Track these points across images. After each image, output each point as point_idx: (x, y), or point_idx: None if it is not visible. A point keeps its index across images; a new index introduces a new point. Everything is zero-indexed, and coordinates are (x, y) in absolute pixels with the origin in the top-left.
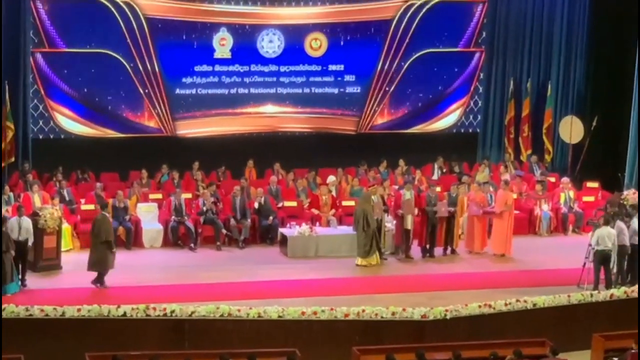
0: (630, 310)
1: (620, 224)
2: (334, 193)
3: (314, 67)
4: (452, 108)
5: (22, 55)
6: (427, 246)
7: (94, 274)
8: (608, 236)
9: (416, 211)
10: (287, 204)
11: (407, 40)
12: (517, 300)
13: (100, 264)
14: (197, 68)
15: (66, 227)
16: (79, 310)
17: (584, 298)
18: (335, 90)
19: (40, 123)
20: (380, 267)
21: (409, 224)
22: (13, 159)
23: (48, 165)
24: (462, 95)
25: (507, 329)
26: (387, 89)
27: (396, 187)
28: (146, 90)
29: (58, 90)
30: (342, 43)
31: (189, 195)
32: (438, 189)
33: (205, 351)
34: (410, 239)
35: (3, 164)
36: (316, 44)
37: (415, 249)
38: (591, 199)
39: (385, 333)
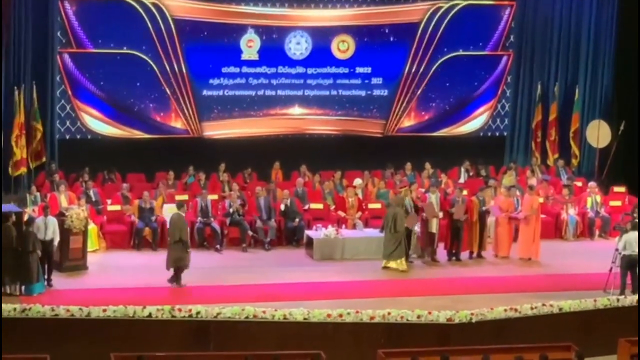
0: None
1: None
2: (360, 195)
3: (341, 70)
4: (479, 111)
5: (50, 55)
6: (453, 250)
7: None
8: (635, 241)
9: (441, 214)
10: (313, 206)
11: (434, 43)
12: (543, 305)
13: (176, 262)
14: (225, 69)
15: (92, 227)
16: (104, 310)
17: (610, 303)
18: (363, 93)
19: (67, 123)
20: (413, 270)
21: (434, 227)
22: (44, 159)
23: (75, 165)
24: (489, 98)
25: (533, 333)
26: (414, 91)
27: (422, 190)
28: (173, 92)
29: (85, 91)
30: (369, 46)
31: (215, 197)
32: (465, 192)
33: (230, 353)
34: (435, 242)
35: (32, 165)
36: (343, 46)
37: (442, 253)
38: (618, 203)
39: (411, 336)
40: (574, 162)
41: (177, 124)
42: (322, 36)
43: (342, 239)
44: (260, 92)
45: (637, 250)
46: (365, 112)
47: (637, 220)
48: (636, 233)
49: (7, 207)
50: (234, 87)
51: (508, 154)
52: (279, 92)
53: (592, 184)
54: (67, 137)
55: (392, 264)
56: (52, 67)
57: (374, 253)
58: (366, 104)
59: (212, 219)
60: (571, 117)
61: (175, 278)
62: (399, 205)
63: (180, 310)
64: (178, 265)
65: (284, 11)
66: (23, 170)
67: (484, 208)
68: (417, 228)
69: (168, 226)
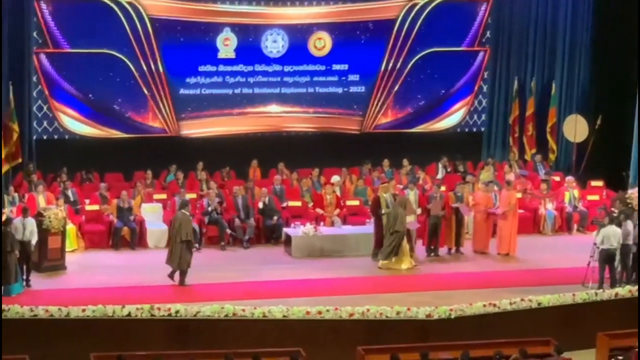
0: (635, 309)
1: (628, 223)
2: (338, 193)
3: (318, 67)
4: (456, 107)
5: (26, 55)
6: (432, 246)
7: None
8: (613, 235)
9: (419, 210)
10: (292, 203)
11: (411, 39)
12: (522, 300)
13: (178, 262)
14: (201, 68)
15: (70, 227)
16: (83, 310)
17: (589, 297)
18: (339, 90)
19: (45, 124)
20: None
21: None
22: (20, 160)
23: (52, 165)
24: (466, 94)
25: (512, 328)
26: (391, 88)
27: (401, 186)
28: (150, 91)
29: (62, 91)
30: (346, 43)
31: (194, 196)
32: (442, 188)
33: (210, 351)
34: (413, 239)
35: (9, 165)
36: (320, 44)
37: (420, 249)
38: (596, 197)
39: (390, 332)
40: (552, 157)
41: (155, 123)
42: (298, 34)
43: (320, 236)
44: (237, 91)
45: (615, 244)
46: (342, 109)
47: (614, 214)
48: (614, 227)
49: None
50: (211, 86)
51: (485, 149)
52: (256, 90)
53: (569, 178)
54: (45, 137)
55: (388, 264)
56: (28, 67)
57: (353, 250)
58: (343, 101)
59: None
60: (548, 112)
61: (180, 278)
62: (401, 206)
63: (159, 309)
64: (182, 267)
65: (260, 9)
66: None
67: (453, 205)
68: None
69: (172, 225)
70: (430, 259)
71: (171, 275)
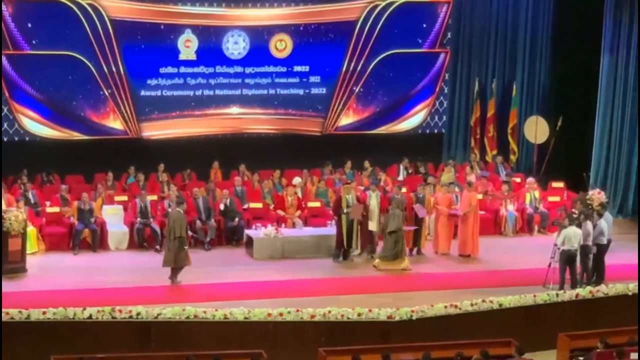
0: (596, 310)
1: (587, 224)
2: (299, 194)
3: (279, 69)
4: (418, 109)
5: None
6: None
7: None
8: (574, 236)
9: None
10: (253, 205)
11: (372, 41)
12: (483, 301)
13: (173, 260)
14: (162, 70)
15: (31, 229)
16: (44, 313)
17: (550, 298)
18: (301, 92)
19: (5, 125)
20: (347, 268)
21: (374, 225)
22: None
23: (13, 167)
24: (427, 96)
25: (474, 330)
26: (352, 89)
27: (362, 188)
28: (111, 92)
29: (23, 93)
30: (307, 44)
31: (155, 197)
32: (404, 189)
33: (171, 353)
34: (375, 240)
35: None
36: (281, 45)
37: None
38: (556, 199)
39: (352, 334)
40: (513, 158)
41: (116, 124)
42: (259, 35)
43: (281, 237)
44: (199, 92)
45: (575, 245)
46: (303, 111)
47: (575, 215)
48: (575, 228)
49: None
50: (172, 88)
51: (446, 151)
52: (217, 92)
53: (530, 179)
54: (5, 139)
55: (385, 263)
56: None
57: (314, 251)
58: (304, 102)
59: (151, 220)
60: (509, 113)
61: (173, 276)
62: (399, 208)
63: (120, 311)
64: (176, 265)
65: (221, 11)
66: None
67: (414, 206)
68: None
69: (167, 223)
70: None
71: (171, 277)
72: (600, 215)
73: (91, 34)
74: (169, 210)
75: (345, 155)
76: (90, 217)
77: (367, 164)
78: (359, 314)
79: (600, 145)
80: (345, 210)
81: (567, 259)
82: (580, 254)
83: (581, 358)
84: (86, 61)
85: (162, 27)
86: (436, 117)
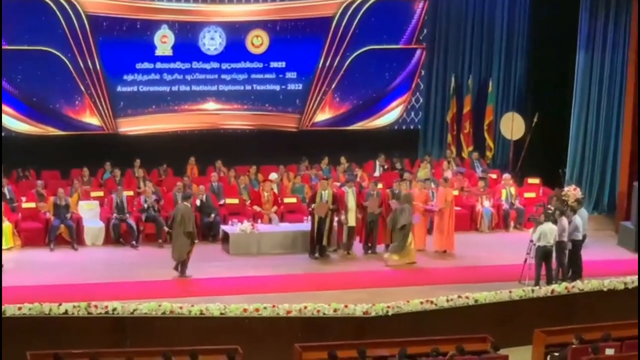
0: (571, 306)
1: (563, 220)
2: (275, 190)
3: (256, 64)
4: (394, 105)
5: None
6: (369, 243)
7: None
8: (550, 232)
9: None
10: (229, 201)
11: (348, 37)
12: (459, 297)
13: (181, 254)
14: (139, 65)
15: (7, 225)
16: (19, 308)
17: (525, 294)
18: (277, 88)
19: None
20: (323, 264)
21: (352, 220)
22: None
23: None
24: (403, 92)
25: (449, 325)
26: (328, 86)
27: (338, 184)
28: (87, 88)
29: None
30: (283, 40)
31: (131, 193)
32: (380, 185)
33: (148, 349)
34: (352, 236)
35: None
36: (257, 41)
37: (358, 246)
38: (532, 195)
39: (328, 330)
40: (489, 154)
41: (92, 120)
42: (236, 31)
43: (258, 233)
44: (175, 88)
45: (551, 241)
46: (279, 107)
47: (550, 211)
48: (550, 224)
49: None
50: (148, 83)
51: (422, 147)
52: (194, 88)
53: (506, 176)
54: None
55: (396, 257)
56: None
57: (290, 247)
58: (281, 98)
59: (127, 215)
60: (485, 109)
61: (181, 270)
62: (408, 202)
63: (96, 306)
64: (184, 258)
65: (197, 6)
66: None
67: (389, 202)
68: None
69: (174, 217)
70: (368, 256)
71: (176, 268)
72: (575, 211)
73: (67, 29)
74: (145, 205)
75: (321, 151)
76: (66, 212)
77: (343, 159)
78: (335, 310)
79: (576, 142)
80: (311, 207)
81: (543, 255)
82: (556, 250)
83: (556, 354)
84: (62, 57)
85: (138, 22)
86: (412, 114)
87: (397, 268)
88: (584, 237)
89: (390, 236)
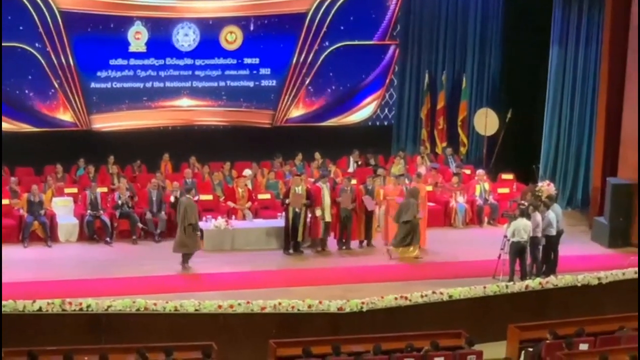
0: (545, 301)
1: (536, 216)
2: (249, 186)
3: (230, 61)
4: (368, 101)
5: None
6: (343, 239)
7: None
8: (524, 228)
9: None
10: (203, 197)
11: (322, 33)
12: (433, 292)
13: (185, 246)
14: (112, 62)
15: None
16: None
17: (500, 289)
18: (251, 84)
19: None
20: (298, 260)
21: (327, 216)
22: None
23: None
24: (377, 88)
25: (424, 321)
26: (302, 82)
27: (312, 180)
28: (61, 84)
29: None
30: (257, 36)
31: (105, 189)
32: (353, 181)
33: (122, 345)
34: (327, 232)
35: None
36: (231, 38)
37: (332, 242)
38: (506, 190)
39: (302, 326)
40: (462, 150)
41: (66, 117)
42: (209, 28)
43: (232, 229)
44: (149, 84)
45: (525, 237)
46: (253, 103)
47: (524, 207)
48: (525, 220)
49: None
50: (122, 80)
51: (396, 143)
52: (167, 84)
53: (480, 171)
54: None
55: (403, 251)
56: None
57: (264, 243)
58: (254, 94)
59: (101, 212)
60: (459, 105)
61: (185, 262)
62: (413, 197)
63: (70, 303)
64: (187, 251)
65: (171, 3)
66: None
67: (363, 198)
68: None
69: (177, 210)
70: (342, 252)
71: (185, 261)
72: (548, 207)
73: (40, 25)
74: (119, 202)
75: (295, 147)
76: (40, 209)
77: (317, 155)
78: (309, 306)
79: (550, 137)
80: (286, 202)
81: (517, 250)
82: (530, 246)
83: (531, 349)
84: (36, 53)
85: (112, 19)
86: (386, 110)
87: (403, 261)
88: (561, 232)
89: (362, 232)
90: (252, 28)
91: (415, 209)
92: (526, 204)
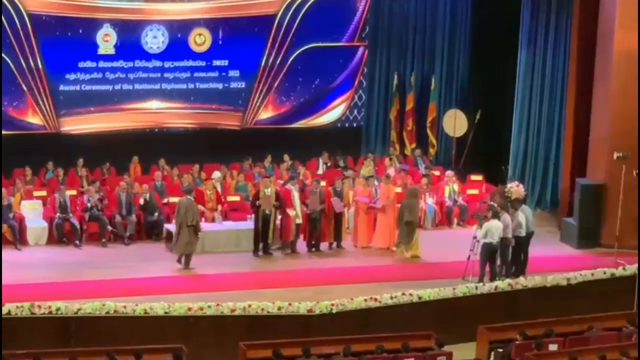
0: (514, 302)
1: (506, 217)
2: (218, 188)
3: (198, 63)
4: (337, 102)
5: None
6: (313, 241)
7: None
8: (496, 229)
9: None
10: (172, 199)
11: (291, 34)
12: (403, 294)
13: (186, 247)
14: (81, 64)
15: None
16: None
17: (469, 290)
18: (220, 86)
19: None
20: (267, 262)
21: (297, 218)
22: None
23: None
24: (346, 89)
25: (394, 322)
26: (271, 84)
27: (281, 182)
28: (29, 87)
29: None
30: (226, 38)
31: (74, 192)
32: (323, 183)
33: (92, 348)
34: (297, 234)
35: None
36: (200, 40)
37: (302, 244)
38: (475, 191)
39: (272, 328)
40: (432, 151)
41: (34, 119)
42: (178, 30)
43: (201, 232)
44: (118, 87)
45: (496, 238)
46: (222, 105)
47: (495, 208)
48: (497, 221)
49: None
50: (90, 82)
51: (365, 144)
52: (136, 86)
53: (449, 173)
54: None
55: (403, 251)
56: None
57: (234, 246)
58: (224, 96)
59: (70, 215)
60: (428, 107)
61: (186, 263)
62: (413, 197)
63: (40, 307)
64: (189, 252)
65: (139, 5)
66: None
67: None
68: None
69: (178, 211)
70: (312, 254)
71: (179, 260)
72: (516, 208)
73: (9, 28)
74: (89, 205)
75: (264, 149)
76: (9, 212)
77: (286, 157)
78: (279, 308)
79: (518, 138)
80: (257, 203)
81: (489, 252)
82: (500, 247)
83: (500, 349)
84: (4, 56)
85: (80, 21)
86: (355, 111)
87: (404, 262)
88: (531, 233)
89: (331, 234)
90: (221, 30)
91: (416, 210)
92: (495, 204)
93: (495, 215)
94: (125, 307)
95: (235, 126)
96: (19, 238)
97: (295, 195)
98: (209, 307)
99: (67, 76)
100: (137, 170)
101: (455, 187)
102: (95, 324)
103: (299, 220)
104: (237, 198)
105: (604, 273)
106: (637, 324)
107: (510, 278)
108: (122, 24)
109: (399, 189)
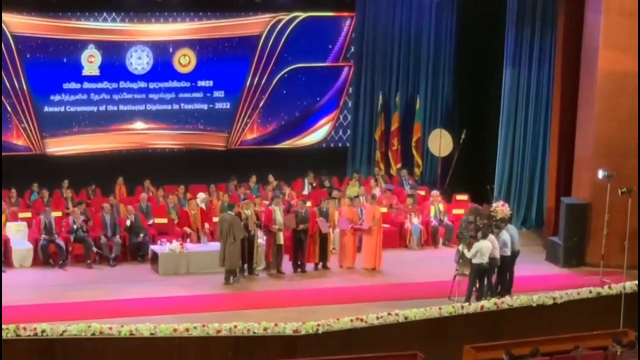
0: (500, 322)
1: (491, 237)
2: (204, 207)
3: (183, 84)
4: (322, 123)
5: None
6: (298, 261)
7: None
8: (486, 249)
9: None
10: (158, 220)
11: (275, 55)
12: (389, 314)
13: (232, 264)
14: (66, 85)
15: None
16: None
17: (455, 310)
18: (205, 106)
19: None
20: (253, 283)
21: (281, 239)
22: None
23: None
24: (331, 109)
25: (380, 343)
26: (256, 104)
27: (267, 202)
28: (14, 108)
29: None
30: (211, 59)
31: (59, 214)
32: (308, 204)
33: None
34: (281, 254)
35: None
36: (185, 60)
37: (287, 264)
38: (461, 211)
39: (258, 349)
40: (417, 171)
41: (19, 141)
42: (163, 51)
43: (187, 253)
44: (102, 108)
45: (486, 259)
46: (207, 126)
47: (484, 228)
48: (487, 241)
49: None
50: (75, 103)
51: (351, 164)
52: (121, 107)
53: (435, 192)
54: None
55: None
56: None
57: (219, 267)
58: (209, 117)
59: (56, 236)
60: (413, 126)
61: (230, 278)
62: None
63: (25, 329)
64: (234, 268)
65: (124, 26)
66: None
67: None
68: (262, 241)
69: (221, 228)
70: (297, 275)
71: (227, 278)
72: (500, 228)
73: None
74: (74, 226)
75: (250, 169)
76: None
77: (271, 178)
78: (265, 329)
79: (504, 158)
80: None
81: (479, 272)
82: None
83: None
84: None
85: (64, 42)
86: (340, 131)
87: (358, 283)
88: (517, 253)
89: (317, 254)
90: (205, 51)
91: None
92: (481, 225)
93: (486, 236)
94: (110, 328)
95: (221, 147)
96: (4, 260)
97: (278, 216)
98: (195, 328)
99: (52, 97)
100: (122, 192)
101: (441, 206)
102: (81, 346)
103: (280, 242)
104: None
105: (590, 292)
106: (637, 336)
107: (496, 297)
108: (106, 45)
109: (384, 209)
